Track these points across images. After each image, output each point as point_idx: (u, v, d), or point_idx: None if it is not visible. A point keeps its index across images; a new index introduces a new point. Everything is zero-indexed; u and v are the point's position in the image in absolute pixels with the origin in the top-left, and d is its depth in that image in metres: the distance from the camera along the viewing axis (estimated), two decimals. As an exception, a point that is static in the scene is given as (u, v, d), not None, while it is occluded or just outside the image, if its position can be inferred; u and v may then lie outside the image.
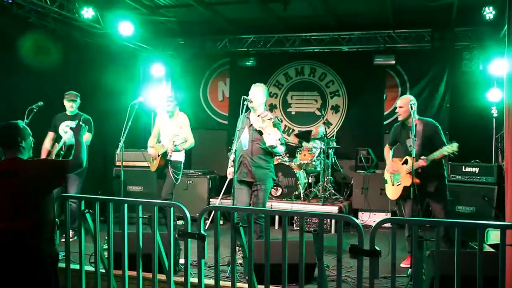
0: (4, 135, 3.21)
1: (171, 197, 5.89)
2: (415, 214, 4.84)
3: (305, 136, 8.29)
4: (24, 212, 3.08)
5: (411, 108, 4.86)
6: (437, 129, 4.98)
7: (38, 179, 3.11)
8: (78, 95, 6.30)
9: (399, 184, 5.10)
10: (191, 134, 6.03)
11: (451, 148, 4.66)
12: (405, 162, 5.08)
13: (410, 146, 4.87)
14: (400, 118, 5.06)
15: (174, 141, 5.69)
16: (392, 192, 5.25)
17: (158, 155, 5.86)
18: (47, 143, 6.22)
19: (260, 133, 4.98)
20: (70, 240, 3.83)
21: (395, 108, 5.18)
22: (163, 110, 6.09)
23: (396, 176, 5.19)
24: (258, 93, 5.07)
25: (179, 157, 6.00)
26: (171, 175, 5.87)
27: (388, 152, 5.43)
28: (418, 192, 4.66)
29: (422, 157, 4.79)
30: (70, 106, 6.19)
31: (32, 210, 3.11)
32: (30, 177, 3.10)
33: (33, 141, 3.34)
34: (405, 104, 4.94)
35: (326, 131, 8.00)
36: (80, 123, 3.38)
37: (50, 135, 6.25)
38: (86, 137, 6.18)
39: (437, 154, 4.74)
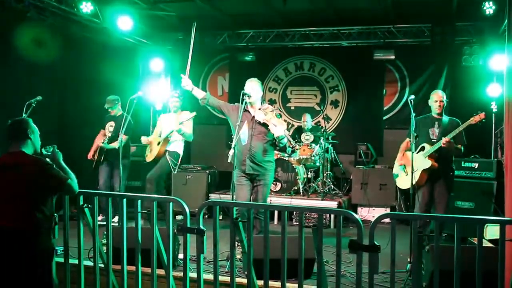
0: (14, 127, 3.26)
1: (162, 183, 5.99)
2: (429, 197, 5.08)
3: (298, 132, 8.28)
4: (24, 208, 3.08)
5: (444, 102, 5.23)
6: (460, 125, 5.17)
7: (38, 178, 3.11)
8: (114, 99, 6.71)
9: (415, 171, 5.08)
10: (191, 130, 6.16)
11: (478, 116, 4.82)
12: (422, 149, 5.13)
13: (433, 135, 5.16)
14: (438, 111, 5.27)
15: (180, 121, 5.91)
16: (409, 180, 5.23)
17: (158, 144, 5.96)
18: (98, 140, 6.75)
19: (265, 126, 4.97)
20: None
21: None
22: (170, 104, 6.35)
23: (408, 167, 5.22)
24: (256, 88, 5.07)
25: (177, 148, 6.12)
26: (169, 161, 5.98)
27: (405, 146, 5.43)
28: (429, 182, 4.98)
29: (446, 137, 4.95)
30: (109, 111, 6.75)
31: (32, 205, 3.11)
32: (33, 174, 3.10)
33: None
34: (443, 98, 5.27)
35: (325, 126, 7.99)
36: (54, 148, 3.37)
37: (102, 132, 6.83)
38: (123, 138, 6.29)
39: (464, 126, 4.92)
